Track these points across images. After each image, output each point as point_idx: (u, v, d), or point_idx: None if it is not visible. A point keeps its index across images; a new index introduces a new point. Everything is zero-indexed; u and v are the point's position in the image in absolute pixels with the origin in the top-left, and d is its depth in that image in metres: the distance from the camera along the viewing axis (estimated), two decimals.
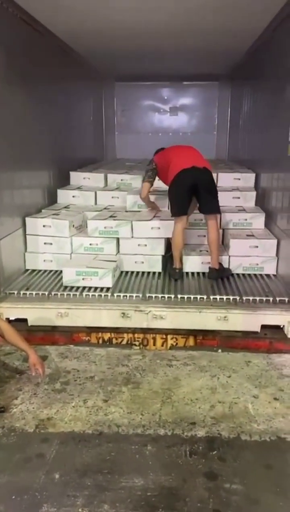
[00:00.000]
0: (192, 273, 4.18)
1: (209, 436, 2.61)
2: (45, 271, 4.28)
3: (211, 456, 2.47)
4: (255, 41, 5.09)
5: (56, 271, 4.22)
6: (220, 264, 4.10)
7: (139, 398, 2.96)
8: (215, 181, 4.32)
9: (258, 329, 3.55)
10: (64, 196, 5.08)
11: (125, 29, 4.63)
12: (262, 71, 5.04)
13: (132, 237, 4.24)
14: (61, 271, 4.04)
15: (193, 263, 4.20)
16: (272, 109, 4.43)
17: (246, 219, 4.57)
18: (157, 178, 4.34)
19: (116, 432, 2.65)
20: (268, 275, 4.16)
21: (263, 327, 3.55)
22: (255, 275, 4.18)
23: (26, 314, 3.64)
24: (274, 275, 4.17)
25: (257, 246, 4.19)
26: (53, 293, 3.79)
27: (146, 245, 4.22)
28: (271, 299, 3.66)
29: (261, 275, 4.17)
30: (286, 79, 3.85)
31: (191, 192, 3.98)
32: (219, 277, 4.02)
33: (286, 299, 3.65)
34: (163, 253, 4.25)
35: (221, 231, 4.44)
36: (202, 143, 7.16)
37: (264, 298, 3.67)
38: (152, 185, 4.33)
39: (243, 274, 4.18)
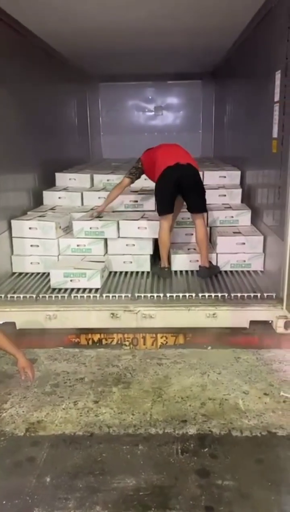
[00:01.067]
0: (180, 272, 4.18)
1: (200, 434, 2.62)
2: (32, 273, 4.24)
3: (203, 453, 2.47)
4: (237, 39, 5.11)
5: (44, 273, 4.19)
6: (210, 262, 4.10)
7: (129, 398, 2.96)
8: (202, 179, 4.32)
9: (247, 325, 3.56)
10: (50, 197, 5.05)
11: (108, 29, 4.62)
12: (245, 69, 5.05)
13: (119, 237, 4.22)
14: (48, 273, 4.01)
15: (181, 262, 4.20)
16: (256, 106, 4.45)
17: (232, 216, 4.58)
18: (144, 176, 4.32)
19: (107, 433, 2.65)
20: (255, 271, 4.17)
21: (252, 323, 3.56)
22: (242, 271, 4.19)
23: (14, 317, 3.60)
24: (261, 271, 4.18)
25: (244, 243, 4.21)
26: (41, 295, 3.76)
27: (134, 245, 4.20)
28: (259, 295, 3.66)
29: (248, 271, 4.19)
30: (268, 77, 3.87)
31: (176, 190, 3.98)
32: (210, 275, 4.03)
33: (274, 295, 3.65)
34: (151, 253, 4.24)
35: (208, 229, 4.45)
36: (187, 142, 7.15)
37: (252, 294, 3.67)
38: (132, 182, 4.29)
39: (231, 271, 4.19)
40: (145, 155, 4.32)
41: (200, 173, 4.24)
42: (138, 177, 4.29)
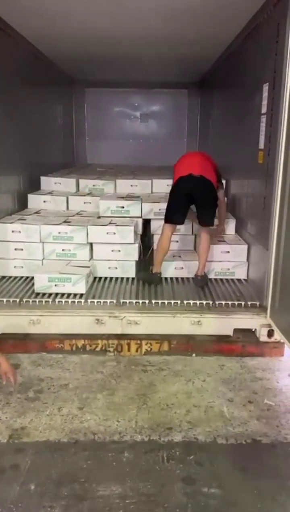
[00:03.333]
0: (166, 278, 4.19)
1: (185, 441, 2.62)
2: (16, 277, 4.20)
3: (189, 461, 2.47)
4: (224, 50, 5.20)
5: (27, 277, 4.15)
6: (204, 272, 4.14)
7: (114, 405, 2.94)
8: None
9: (231, 333, 3.60)
10: (35, 201, 5.01)
11: (95, 36, 4.64)
12: (231, 80, 5.13)
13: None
14: (32, 278, 3.97)
15: (168, 269, 4.22)
16: (242, 117, 4.51)
17: (217, 225, 4.63)
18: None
19: (92, 440, 2.62)
20: (239, 280, 4.23)
21: (236, 331, 3.60)
22: (226, 279, 4.23)
23: None
24: (245, 279, 4.24)
25: (228, 251, 4.25)
26: (24, 300, 3.72)
27: (119, 250, 4.20)
28: (243, 303, 3.71)
29: (232, 279, 4.23)
30: (255, 89, 3.94)
31: (187, 201, 4.01)
32: (206, 283, 4.06)
33: (257, 303, 3.70)
34: (136, 259, 4.24)
35: (193, 236, 4.49)
36: (172, 150, 7.25)
37: (236, 303, 3.71)
38: None
39: (215, 279, 4.23)
40: (176, 164, 4.30)
41: None
42: None
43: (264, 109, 3.66)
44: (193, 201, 4.04)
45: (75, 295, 3.79)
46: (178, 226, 4.19)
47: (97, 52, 5.37)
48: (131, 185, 5.16)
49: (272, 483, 2.33)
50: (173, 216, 4.04)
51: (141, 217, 4.55)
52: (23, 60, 4.93)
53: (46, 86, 6.15)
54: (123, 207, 4.54)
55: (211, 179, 4.03)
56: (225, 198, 4.59)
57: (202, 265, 4.08)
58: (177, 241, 4.43)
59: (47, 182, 5.43)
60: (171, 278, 4.21)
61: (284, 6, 3.14)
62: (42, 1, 3.60)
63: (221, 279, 4.23)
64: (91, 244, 4.22)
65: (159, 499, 2.22)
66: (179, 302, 3.69)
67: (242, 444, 2.60)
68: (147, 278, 4.10)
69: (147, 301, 3.70)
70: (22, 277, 4.18)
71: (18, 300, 3.70)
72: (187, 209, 4.10)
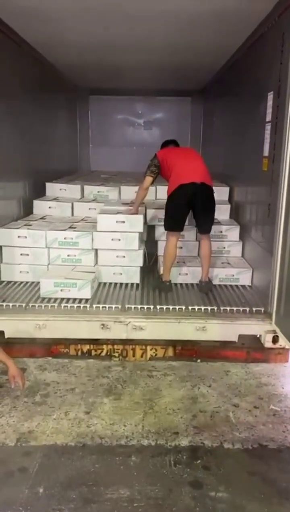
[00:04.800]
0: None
1: (192, 445, 2.63)
2: (21, 282, 4.22)
3: (196, 465, 2.48)
4: (229, 59, 5.26)
5: (33, 282, 4.17)
6: (209, 277, 4.16)
7: (121, 409, 2.95)
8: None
9: (235, 338, 3.61)
10: (40, 207, 5.05)
11: (101, 44, 4.68)
12: (236, 88, 5.19)
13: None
14: (38, 283, 4.00)
15: (172, 275, 4.23)
16: (246, 125, 4.56)
17: (221, 232, 4.66)
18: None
19: (100, 444, 2.64)
20: (243, 286, 4.25)
21: (241, 337, 3.62)
22: (231, 285, 4.25)
23: (3, 326, 3.56)
24: (249, 285, 4.26)
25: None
26: (30, 304, 3.74)
27: (124, 256, 4.23)
28: (247, 309, 3.73)
29: (236, 285, 4.26)
30: (260, 97, 3.99)
31: (188, 208, 4.01)
32: (210, 289, 4.07)
33: (262, 309, 3.72)
34: (141, 265, 4.27)
35: (196, 242, 4.52)
36: None
37: (241, 309, 3.73)
38: (154, 180, 4.19)
39: (220, 285, 4.25)
40: (161, 153, 4.20)
41: None
42: (157, 176, 4.17)
43: (268, 117, 3.70)
44: (192, 208, 4.03)
45: (80, 300, 3.81)
46: (182, 232, 4.21)
47: (102, 59, 5.43)
48: (135, 192, 5.18)
49: (279, 487, 2.34)
50: (175, 224, 4.04)
51: (146, 223, 4.58)
52: (27, 66, 4.98)
53: (50, 93, 6.21)
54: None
55: (211, 184, 4.06)
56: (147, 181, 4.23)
57: (206, 271, 4.10)
58: (181, 247, 4.46)
59: (52, 188, 5.48)
60: (176, 284, 4.23)
61: (289, 16, 3.20)
62: (47, 8, 3.64)
63: (225, 285, 4.25)
64: (96, 250, 4.26)
65: (167, 502, 2.23)
66: (183, 307, 3.71)
67: (248, 449, 2.62)
68: (158, 287, 4.11)
69: (152, 307, 3.72)
70: (27, 282, 4.20)
71: (24, 305, 3.72)
72: (187, 216, 4.11)
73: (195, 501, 2.24)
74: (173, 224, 4.05)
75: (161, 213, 4.53)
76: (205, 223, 4.07)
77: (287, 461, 2.54)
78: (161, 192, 5.11)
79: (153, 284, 4.18)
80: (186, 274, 4.25)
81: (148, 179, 4.15)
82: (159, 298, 3.93)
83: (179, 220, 4.03)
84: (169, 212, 4.06)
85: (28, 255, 4.25)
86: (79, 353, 3.63)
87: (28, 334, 3.59)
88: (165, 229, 4.11)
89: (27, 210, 4.99)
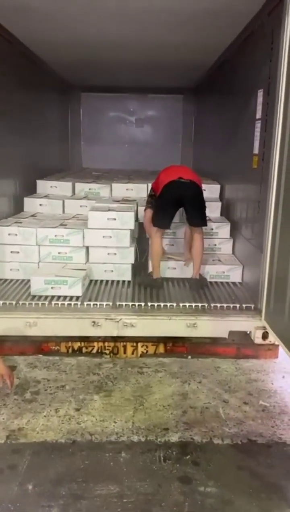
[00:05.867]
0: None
1: (182, 441, 2.65)
2: (12, 280, 4.20)
3: (185, 461, 2.50)
4: (220, 56, 5.26)
5: (23, 280, 4.16)
6: (200, 274, 4.17)
7: (111, 406, 2.96)
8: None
9: (226, 335, 3.63)
10: (31, 204, 5.03)
11: (93, 41, 4.68)
12: (227, 86, 5.20)
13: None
14: (28, 280, 3.98)
15: (161, 271, 4.25)
16: (236, 123, 4.58)
17: (212, 229, 4.67)
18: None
19: (90, 441, 2.64)
20: (234, 283, 4.27)
21: (231, 333, 3.63)
22: (221, 282, 4.27)
23: None
24: (239, 282, 4.28)
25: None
26: (21, 302, 3.72)
27: (115, 253, 4.23)
28: (238, 306, 3.74)
29: (227, 282, 4.27)
30: (250, 95, 4.00)
31: (176, 205, 4.04)
32: (201, 286, 4.08)
33: (252, 306, 3.73)
34: (132, 262, 4.27)
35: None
36: (167, 155, 7.31)
37: (231, 305, 3.75)
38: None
39: (210, 282, 4.26)
40: (154, 183, 4.37)
41: None
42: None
43: (258, 115, 3.72)
44: (182, 205, 4.06)
45: (71, 297, 3.80)
46: (171, 230, 4.22)
47: (94, 57, 5.42)
48: (127, 189, 5.20)
49: (267, 482, 2.36)
50: (162, 221, 4.06)
51: (137, 221, 4.58)
52: (19, 63, 4.95)
53: (42, 90, 6.18)
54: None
55: (199, 182, 4.11)
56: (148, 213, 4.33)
57: (197, 267, 4.11)
58: (173, 245, 4.46)
59: (43, 185, 5.46)
60: (167, 282, 4.23)
61: (278, 14, 3.20)
62: (39, 5, 3.63)
63: (215, 282, 4.27)
64: (87, 247, 4.25)
65: (157, 498, 2.24)
66: (175, 304, 3.72)
67: (237, 444, 2.64)
68: (149, 284, 4.12)
69: (143, 304, 3.72)
70: (18, 279, 4.19)
71: (14, 302, 3.70)
72: (174, 214, 4.14)
73: (184, 496, 2.26)
74: (159, 220, 4.07)
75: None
76: (194, 217, 4.08)
77: (276, 456, 2.56)
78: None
79: (145, 282, 4.17)
80: (174, 268, 4.26)
81: (148, 212, 4.28)
82: (150, 295, 3.93)
83: (165, 216, 4.05)
84: (157, 209, 4.10)
85: (18, 252, 4.23)
86: (70, 350, 3.63)
87: (18, 332, 3.57)
88: (153, 226, 4.12)
89: (18, 208, 4.97)
